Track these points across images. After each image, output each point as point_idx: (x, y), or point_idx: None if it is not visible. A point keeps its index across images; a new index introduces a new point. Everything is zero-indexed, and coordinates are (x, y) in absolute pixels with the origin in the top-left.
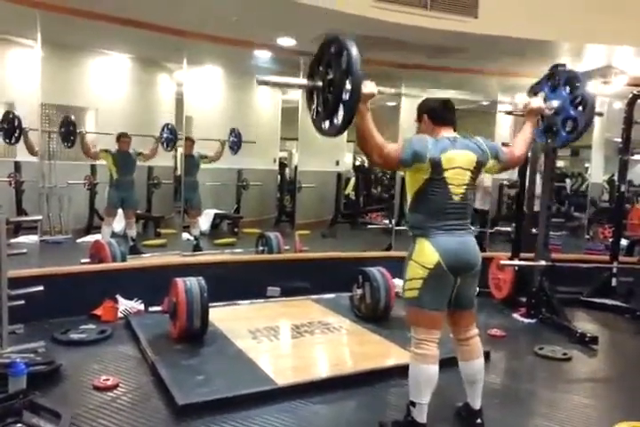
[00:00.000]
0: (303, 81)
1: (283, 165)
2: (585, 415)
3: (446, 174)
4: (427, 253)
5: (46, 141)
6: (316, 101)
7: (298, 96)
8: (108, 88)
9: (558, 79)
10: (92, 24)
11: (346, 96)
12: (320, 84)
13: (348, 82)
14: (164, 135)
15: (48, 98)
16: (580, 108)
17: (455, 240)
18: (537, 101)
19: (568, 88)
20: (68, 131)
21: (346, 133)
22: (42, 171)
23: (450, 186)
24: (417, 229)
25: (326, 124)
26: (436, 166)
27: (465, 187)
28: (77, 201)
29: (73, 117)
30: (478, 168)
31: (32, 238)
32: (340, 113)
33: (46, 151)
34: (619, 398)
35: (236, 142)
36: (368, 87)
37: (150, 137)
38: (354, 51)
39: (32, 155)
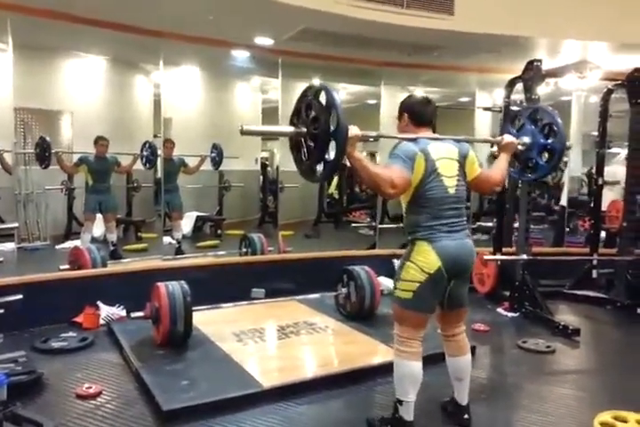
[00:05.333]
0: (288, 128)
1: (264, 166)
2: (569, 406)
3: (437, 164)
4: (428, 258)
5: (21, 145)
6: (304, 147)
7: (278, 95)
8: (83, 91)
9: (521, 117)
10: (65, 26)
11: (333, 137)
12: (304, 130)
13: (332, 121)
14: (145, 154)
15: (22, 102)
16: (552, 136)
17: (455, 243)
18: (509, 137)
19: (533, 122)
20: (44, 153)
21: None
22: (17, 177)
23: (443, 178)
24: (416, 231)
25: (318, 168)
26: (428, 157)
27: (457, 179)
28: (55, 207)
29: (48, 138)
30: (462, 160)
31: (9, 246)
32: (331, 153)
33: (21, 156)
34: (602, 388)
35: (217, 160)
36: (352, 130)
37: (130, 152)
38: (332, 90)
39: (7, 172)
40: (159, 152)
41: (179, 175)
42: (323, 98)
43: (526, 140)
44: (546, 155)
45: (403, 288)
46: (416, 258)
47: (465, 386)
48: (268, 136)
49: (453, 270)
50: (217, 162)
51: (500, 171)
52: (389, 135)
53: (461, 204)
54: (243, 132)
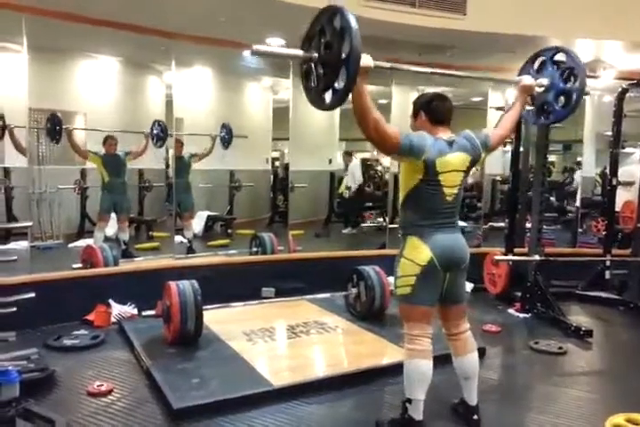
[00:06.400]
0: (299, 51)
1: (285, 167)
2: (581, 408)
3: (441, 177)
4: (419, 251)
5: (35, 145)
6: (314, 73)
7: (289, 96)
8: (96, 92)
9: (543, 58)
10: (79, 27)
11: (344, 64)
12: (315, 55)
13: (345, 47)
14: (155, 132)
15: (36, 103)
16: (572, 80)
17: (446, 237)
18: (528, 79)
19: (554, 64)
20: (54, 128)
21: (337, 132)
22: (31, 176)
23: (443, 188)
24: (408, 227)
25: (327, 95)
26: (430, 168)
27: (457, 187)
28: (68, 206)
29: (59, 114)
30: (471, 167)
31: (22, 244)
32: (341, 81)
33: (35, 155)
34: (614, 390)
35: (226, 138)
36: (365, 59)
37: (140, 133)
38: (348, 14)
39: (21, 153)
40: (169, 131)
41: (190, 171)
42: (337, 22)
43: (545, 81)
44: (562, 99)
45: (401, 284)
46: (408, 252)
47: (473, 386)
48: (277, 58)
49: (446, 263)
50: (226, 140)
51: (510, 121)
52: (403, 67)
53: (456, 207)
54: (253, 53)
